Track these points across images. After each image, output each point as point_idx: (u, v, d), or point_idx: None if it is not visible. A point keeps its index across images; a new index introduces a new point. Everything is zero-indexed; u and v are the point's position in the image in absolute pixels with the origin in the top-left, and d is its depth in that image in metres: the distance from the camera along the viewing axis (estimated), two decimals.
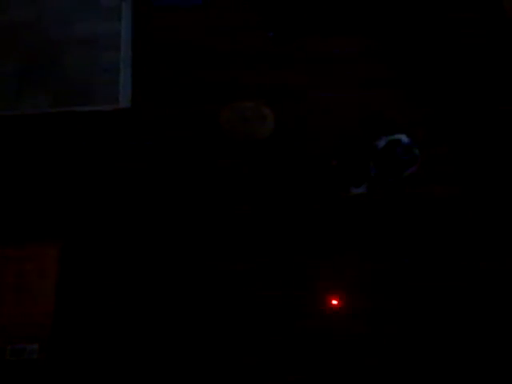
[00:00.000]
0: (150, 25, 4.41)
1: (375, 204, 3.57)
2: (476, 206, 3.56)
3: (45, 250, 3.34)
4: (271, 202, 3.58)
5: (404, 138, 3.62)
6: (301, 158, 3.76)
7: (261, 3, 4.44)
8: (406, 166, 3.61)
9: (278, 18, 4.36)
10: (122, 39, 4.39)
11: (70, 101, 4.12)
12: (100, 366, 3.00)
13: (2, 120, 3.98)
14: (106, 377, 2.97)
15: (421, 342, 3.17)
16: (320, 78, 4.11)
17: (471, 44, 4.24)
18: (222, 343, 3.09)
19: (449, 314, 3.24)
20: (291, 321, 3.20)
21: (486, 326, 3.19)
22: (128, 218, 3.51)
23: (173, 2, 4.57)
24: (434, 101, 4.01)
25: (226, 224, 3.50)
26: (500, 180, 3.67)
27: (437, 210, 3.56)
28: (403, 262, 3.34)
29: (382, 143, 3.60)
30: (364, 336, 3.17)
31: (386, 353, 3.12)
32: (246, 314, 3.19)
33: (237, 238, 3.44)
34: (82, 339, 3.08)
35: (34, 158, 3.79)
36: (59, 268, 3.27)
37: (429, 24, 4.35)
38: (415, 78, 4.11)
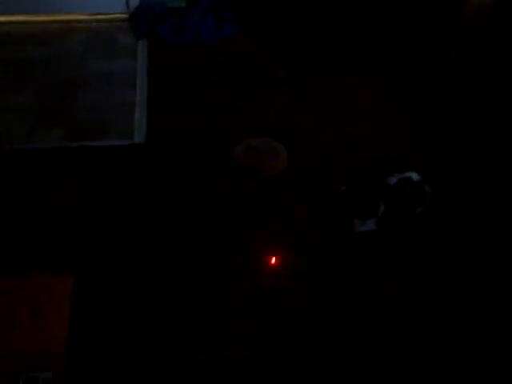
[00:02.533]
0: (165, 62, 4.51)
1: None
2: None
3: (59, 279, 3.35)
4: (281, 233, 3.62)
5: (415, 175, 3.67)
6: (312, 195, 3.80)
7: (275, 44, 4.56)
8: (416, 204, 3.65)
9: (291, 59, 4.47)
10: (138, 76, 4.48)
11: (85, 135, 4.19)
12: None
13: (17, 153, 4.03)
14: None
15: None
16: (332, 117, 4.19)
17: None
18: None
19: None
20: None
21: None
22: (139, 250, 3.54)
23: (188, 40, 4.68)
24: (446, 140, 4.09)
25: (230, 246, 3.53)
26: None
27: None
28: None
29: (393, 180, 3.65)
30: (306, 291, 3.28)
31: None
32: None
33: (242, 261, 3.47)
34: (96, 368, 3.07)
35: (47, 190, 3.82)
36: (73, 297, 3.28)
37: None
38: (427, 118, 4.19)
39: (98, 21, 4.89)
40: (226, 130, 4.12)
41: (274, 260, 3.51)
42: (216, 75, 4.47)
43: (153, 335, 3.17)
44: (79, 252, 3.51)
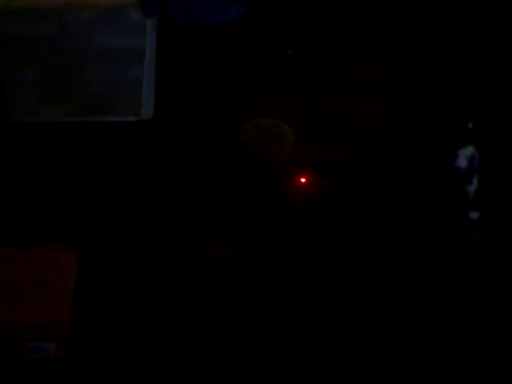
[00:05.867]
0: (174, 41, 4.49)
1: None
2: None
3: (65, 252, 3.37)
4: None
5: (473, 150, 3.53)
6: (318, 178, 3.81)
7: (286, 24, 4.52)
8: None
9: (301, 38, 4.44)
10: (146, 53, 4.45)
11: (91, 111, 4.17)
12: (117, 366, 3.00)
13: (24, 127, 4.03)
14: (123, 377, 2.97)
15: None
16: (342, 100, 4.18)
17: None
18: None
19: None
20: None
21: None
22: (145, 224, 3.55)
23: (196, 19, 4.65)
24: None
25: (237, 230, 3.56)
26: None
27: None
28: None
29: (462, 163, 3.49)
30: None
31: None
32: None
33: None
34: (100, 339, 3.09)
35: (54, 164, 3.84)
36: (78, 270, 3.29)
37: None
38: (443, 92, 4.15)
39: None
40: (234, 109, 4.12)
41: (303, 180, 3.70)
42: (225, 55, 4.45)
43: (158, 308, 3.20)
44: (84, 225, 3.52)
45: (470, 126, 3.52)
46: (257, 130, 3.97)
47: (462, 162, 3.46)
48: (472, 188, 3.46)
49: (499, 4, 4.46)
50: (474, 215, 3.47)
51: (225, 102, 4.17)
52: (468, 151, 3.48)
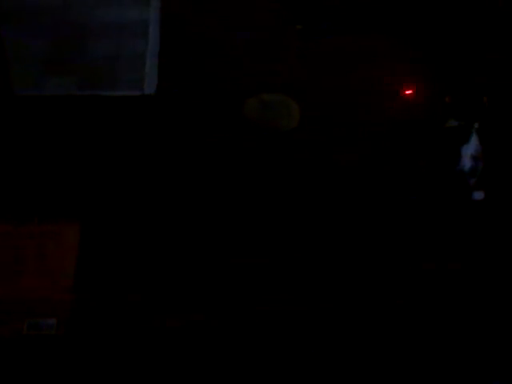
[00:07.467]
0: (178, 13, 4.43)
1: None
2: None
3: (66, 227, 3.36)
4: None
5: (476, 142, 3.47)
6: (323, 154, 3.78)
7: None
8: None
9: (308, 12, 4.38)
10: (150, 26, 4.41)
11: (96, 85, 4.14)
12: (118, 343, 3.01)
13: (28, 100, 4.00)
14: (124, 354, 2.98)
15: None
16: (346, 74, 4.13)
17: None
18: None
19: None
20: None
21: None
22: (147, 198, 3.54)
23: None
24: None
25: (241, 204, 3.56)
26: None
27: None
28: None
29: (467, 163, 3.42)
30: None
31: None
32: None
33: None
34: (101, 316, 3.09)
35: (57, 138, 3.81)
36: (79, 245, 3.29)
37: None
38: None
39: None
40: (238, 83, 4.07)
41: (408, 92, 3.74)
42: (232, 29, 4.39)
43: (159, 282, 3.20)
44: (86, 199, 3.51)
45: (485, 100, 3.43)
46: (261, 105, 3.93)
47: (467, 163, 3.39)
48: (474, 179, 3.42)
49: None
50: (479, 196, 3.40)
51: (230, 76, 4.12)
52: (471, 147, 3.41)
